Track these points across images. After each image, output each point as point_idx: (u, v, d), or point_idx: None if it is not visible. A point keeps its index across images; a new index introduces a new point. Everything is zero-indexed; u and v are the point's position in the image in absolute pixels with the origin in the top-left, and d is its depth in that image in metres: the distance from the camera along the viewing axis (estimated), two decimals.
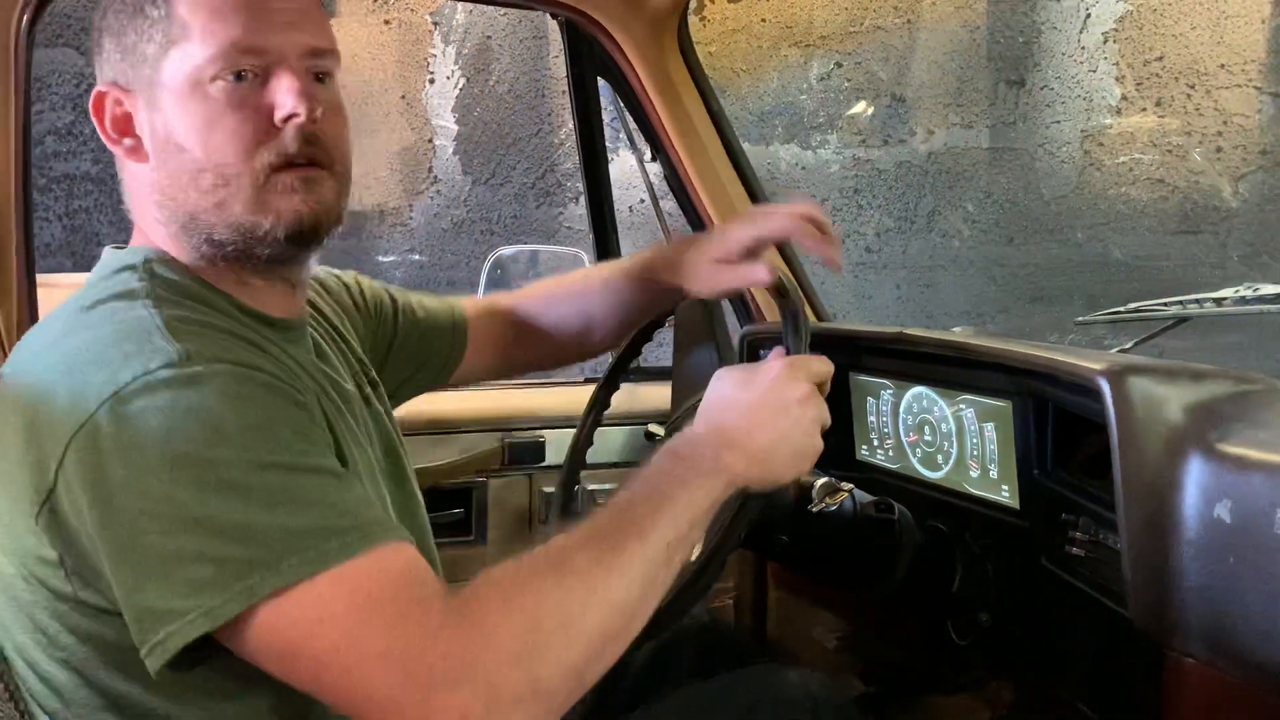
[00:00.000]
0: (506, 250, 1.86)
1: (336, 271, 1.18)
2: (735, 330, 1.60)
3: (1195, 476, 0.89)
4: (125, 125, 0.87)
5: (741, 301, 1.71)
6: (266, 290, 0.90)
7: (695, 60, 1.68)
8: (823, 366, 0.93)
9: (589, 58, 1.68)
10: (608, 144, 1.81)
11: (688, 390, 1.19)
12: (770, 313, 1.68)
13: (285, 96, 0.84)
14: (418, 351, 1.22)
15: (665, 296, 1.21)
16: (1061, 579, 1.08)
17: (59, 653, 0.79)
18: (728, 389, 0.91)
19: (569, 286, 1.30)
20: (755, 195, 1.70)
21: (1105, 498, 0.99)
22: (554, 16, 1.65)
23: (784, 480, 0.89)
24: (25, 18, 1.20)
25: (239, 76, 0.84)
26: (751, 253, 1.13)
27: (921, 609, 1.28)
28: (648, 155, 1.70)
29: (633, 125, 1.70)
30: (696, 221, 1.70)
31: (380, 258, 3.89)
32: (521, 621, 0.72)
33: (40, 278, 1.30)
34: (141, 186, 0.89)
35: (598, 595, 0.75)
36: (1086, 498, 1.05)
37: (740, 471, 0.86)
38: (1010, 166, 4.31)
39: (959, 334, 1.37)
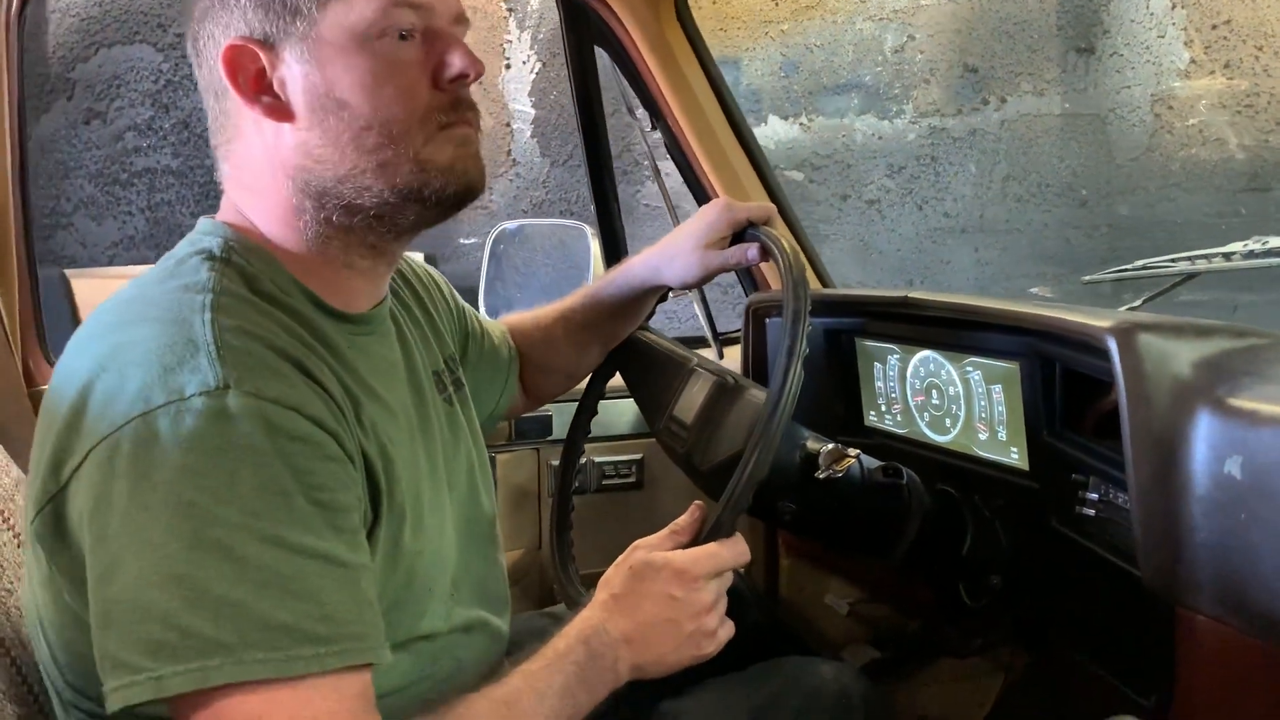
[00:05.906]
0: (510, 224, 1.85)
1: (421, 264, 1.15)
2: (740, 300, 1.59)
3: (1205, 432, 0.87)
4: (260, 82, 0.82)
5: (746, 272, 1.70)
6: (354, 280, 0.88)
7: (694, 28, 1.65)
8: (733, 553, 0.91)
9: (586, 26, 1.66)
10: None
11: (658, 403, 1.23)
12: (775, 281, 1.67)
13: (455, 57, 0.84)
14: (476, 385, 1.17)
15: (652, 296, 1.26)
16: (1072, 539, 1.07)
17: (57, 632, 0.78)
18: (640, 583, 0.90)
19: (570, 318, 1.28)
20: (757, 162, 1.69)
21: (1115, 457, 0.98)
22: None
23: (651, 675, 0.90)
24: (13, 6, 1.19)
25: (402, 36, 0.83)
26: (736, 236, 1.16)
27: (932, 573, 1.27)
28: (647, 125, 1.69)
29: (632, 96, 1.69)
30: (699, 190, 1.68)
31: (462, 240, 3.94)
32: None
33: (122, 269, 1.31)
34: (269, 150, 0.84)
35: None
36: (1096, 458, 1.04)
37: (625, 676, 0.88)
38: (1082, 131, 4.38)
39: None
